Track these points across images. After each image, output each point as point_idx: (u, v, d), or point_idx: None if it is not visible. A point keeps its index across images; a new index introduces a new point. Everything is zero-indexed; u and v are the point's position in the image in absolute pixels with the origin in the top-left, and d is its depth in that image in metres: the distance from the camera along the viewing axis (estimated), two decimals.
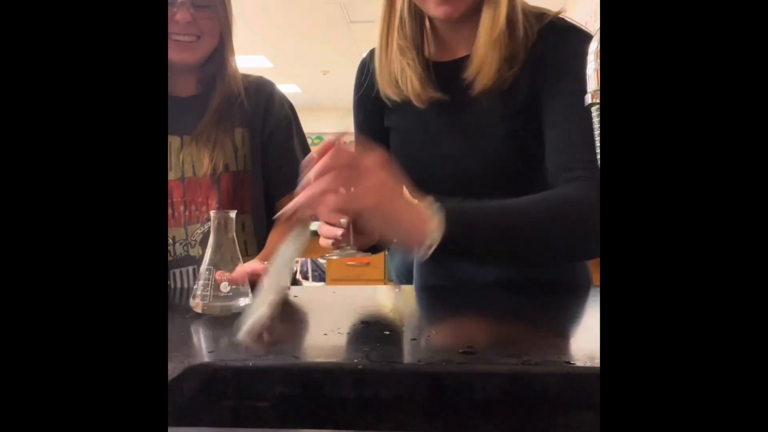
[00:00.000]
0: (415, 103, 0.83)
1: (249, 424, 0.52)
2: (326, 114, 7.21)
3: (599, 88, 0.49)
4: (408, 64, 0.82)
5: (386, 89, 0.86)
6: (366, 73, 0.92)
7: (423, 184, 0.69)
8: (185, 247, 1.00)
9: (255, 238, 1.04)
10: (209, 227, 0.94)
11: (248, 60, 5.60)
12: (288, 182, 0.99)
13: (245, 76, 1.07)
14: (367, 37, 5.11)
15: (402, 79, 0.83)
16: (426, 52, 0.86)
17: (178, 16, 0.92)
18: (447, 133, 0.85)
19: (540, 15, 0.81)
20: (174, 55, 0.95)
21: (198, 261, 0.95)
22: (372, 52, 0.91)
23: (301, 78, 6.53)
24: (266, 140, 1.05)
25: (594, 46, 0.49)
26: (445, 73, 0.84)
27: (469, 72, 0.80)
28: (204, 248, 0.94)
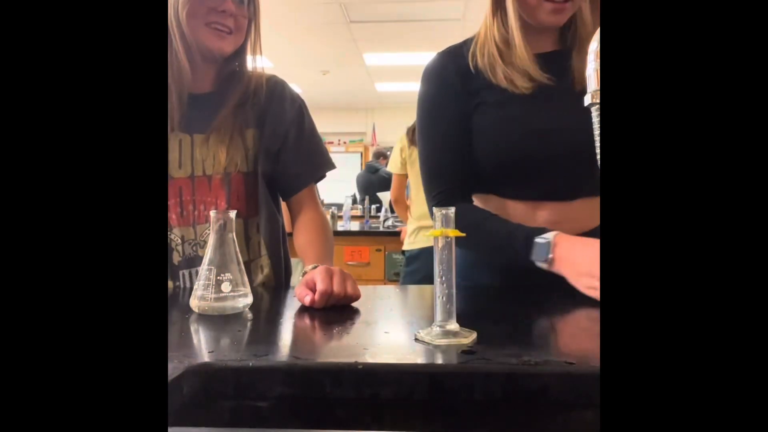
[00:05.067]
0: (522, 84, 0.91)
1: (249, 424, 0.52)
2: (326, 114, 7.21)
3: (599, 88, 0.49)
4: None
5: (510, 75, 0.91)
6: (462, 60, 0.95)
7: (521, 161, 0.89)
8: (194, 248, 0.99)
9: (268, 238, 1.03)
10: None
11: (248, 59, 5.57)
12: (306, 173, 1.06)
13: (258, 75, 1.08)
14: (367, 37, 5.10)
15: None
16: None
17: (226, 5, 0.95)
18: (551, 110, 0.91)
19: None
20: (213, 43, 0.97)
21: None
22: (462, 46, 0.97)
23: (301, 78, 6.52)
24: (281, 140, 1.05)
25: (594, 46, 0.49)
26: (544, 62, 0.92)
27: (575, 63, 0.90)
28: None
